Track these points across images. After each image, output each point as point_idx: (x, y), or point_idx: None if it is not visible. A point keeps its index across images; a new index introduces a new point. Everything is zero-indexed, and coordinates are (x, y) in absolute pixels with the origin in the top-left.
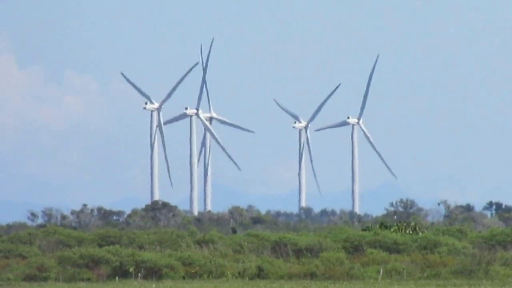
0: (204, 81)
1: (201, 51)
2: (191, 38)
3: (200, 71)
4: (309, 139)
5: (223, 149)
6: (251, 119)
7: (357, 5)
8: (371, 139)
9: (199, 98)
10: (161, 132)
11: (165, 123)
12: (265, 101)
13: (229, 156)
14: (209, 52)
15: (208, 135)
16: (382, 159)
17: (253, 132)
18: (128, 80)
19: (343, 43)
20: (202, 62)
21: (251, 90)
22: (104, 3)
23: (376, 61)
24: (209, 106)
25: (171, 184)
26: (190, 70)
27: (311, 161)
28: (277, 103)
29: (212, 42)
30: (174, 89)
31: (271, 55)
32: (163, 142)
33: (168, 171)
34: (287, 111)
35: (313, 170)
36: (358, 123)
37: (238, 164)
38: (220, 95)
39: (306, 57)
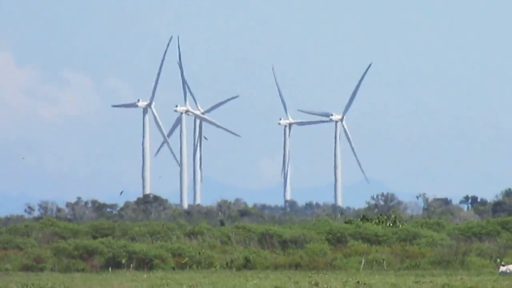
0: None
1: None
2: (181, 37)
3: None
4: (289, 135)
5: (221, 127)
6: (239, 117)
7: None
8: (350, 139)
9: (184, 95)
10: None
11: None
12: (253, 99)
13: (226, 129)
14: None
15: (197, 131)
16: (358, 161)
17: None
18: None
19: (334, 43)
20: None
21: (240, 88)
22: (98, 3)
23: (368, 68)
24: (195, 102)
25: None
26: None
27: (289, 157)
28: (279, 91)
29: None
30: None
31: (260, 54)
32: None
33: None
34: (281, 98)
35: (288, 164)
36: (341, 120)
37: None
38: (209, 92)
39: (296, 57)
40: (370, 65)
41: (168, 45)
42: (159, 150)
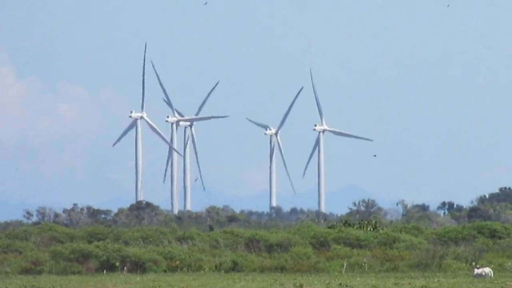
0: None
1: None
2: (174, 49)
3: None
4: (280, 144)
5: (206, 118)
6: (227, 126)
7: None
8: (339, 131)
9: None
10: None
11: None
12: (240, 108)
13: (213, 116)
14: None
15: (189, 142)
16: (354, 136)
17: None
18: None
19: (313, 50)
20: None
21: (227, 98)
22: (92, 20)
23: (311, 75)
24: (174, 112)
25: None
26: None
27: (285, 164)
28: (249, 120)
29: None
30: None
31: (242, 67)
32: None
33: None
34: (258, 124)
35: (287, 172)
36: (323, 131)
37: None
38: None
39: (275, 67)
40: (310, 69)
41: (144, 54)
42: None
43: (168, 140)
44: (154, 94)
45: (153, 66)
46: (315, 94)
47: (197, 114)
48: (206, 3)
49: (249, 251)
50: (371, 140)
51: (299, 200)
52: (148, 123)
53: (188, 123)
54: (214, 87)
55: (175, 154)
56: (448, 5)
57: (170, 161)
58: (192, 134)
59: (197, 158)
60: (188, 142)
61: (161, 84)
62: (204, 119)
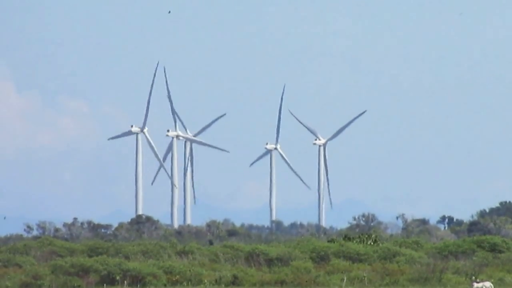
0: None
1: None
2: (173, 65)
3: (178, 96)
4: (284, 155)
5: (207, 144)
6: (226, 141)
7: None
8: (336, 131)
9: (174, 120)
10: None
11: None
12: (239, 123)
13: (215, 146)
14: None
15: (187, 154)
16: (350, 122)
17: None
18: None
19: (306, 64)
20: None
21: (227, 114)
22: (93, 35)
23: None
24: (184, 127)
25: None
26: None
27: (292, 168)
28: (253, 162)
29: (162, 70)
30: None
31: (240, 80)
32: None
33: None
34: (263, 155)
35: (297, 175)
36: (323, 144)
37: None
38: (198, 118)
39: (271, 81)
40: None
41: (155, 72)
42: (155, 179)
43: (168, 154)
44: (154, 107)
45: (166, 81)
46: (298, 120)
47: (196, 135)
48: (169, 12)
49: (249, 265)
50: (365, 111)
51: (299, 214)
52: (147, 139)
53: (190, 135)
54: (220, 117)
55: (175, 169)
56: (461, 13)
57: (162, 168)
58: (191, 150)
59: (192, 174)
60: (189, 156)
61: (169, 96)
62: (206, 145)
